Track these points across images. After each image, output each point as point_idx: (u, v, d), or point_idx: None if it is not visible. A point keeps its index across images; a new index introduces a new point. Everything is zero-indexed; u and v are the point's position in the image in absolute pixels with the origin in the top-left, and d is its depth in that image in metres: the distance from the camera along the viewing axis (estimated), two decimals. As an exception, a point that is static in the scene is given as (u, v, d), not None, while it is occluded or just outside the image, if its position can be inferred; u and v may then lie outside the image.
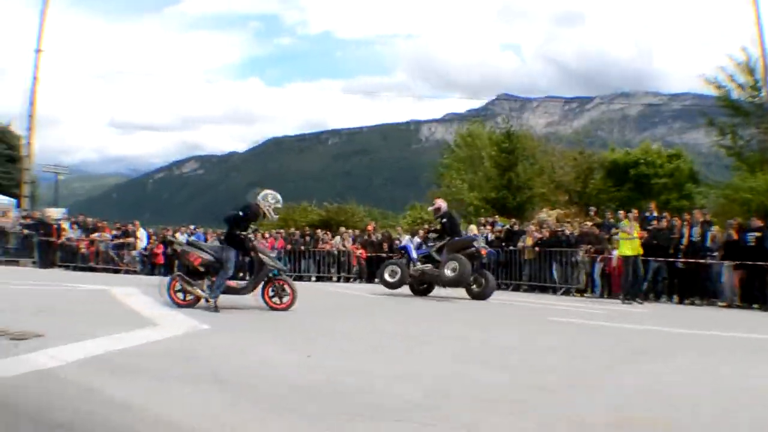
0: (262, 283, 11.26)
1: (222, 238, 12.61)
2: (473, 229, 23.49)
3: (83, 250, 25.56)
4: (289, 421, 4.34)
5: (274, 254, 12.41)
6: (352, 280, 24.10)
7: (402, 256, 16.84)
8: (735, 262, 17.16)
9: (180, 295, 10.92)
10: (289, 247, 24.66)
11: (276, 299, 11.20)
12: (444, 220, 16.44)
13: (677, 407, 5.08)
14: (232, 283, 11.24)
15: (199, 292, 10.78)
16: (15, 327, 7.29)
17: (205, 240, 23.35)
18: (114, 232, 26.53)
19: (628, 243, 17.00)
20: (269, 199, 11.46)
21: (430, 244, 16.55)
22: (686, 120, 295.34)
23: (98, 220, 28.94)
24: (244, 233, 11.11)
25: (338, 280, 24.06)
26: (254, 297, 11.26)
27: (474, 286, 15.95)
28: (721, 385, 6.10)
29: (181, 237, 24.35)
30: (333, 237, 26.16)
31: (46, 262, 24.93)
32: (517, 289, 20.73)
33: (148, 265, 25.17)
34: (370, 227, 27.13)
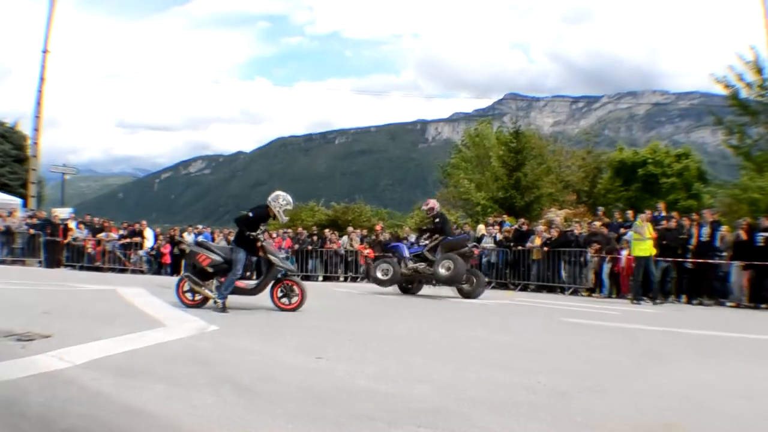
0: (271, 283, 11.20)
1: (231, 238, 12.58)
2: (481, 229, 23.48)
3: (90, 250, 25.52)
4: (308, 427, 4.25)
5: (282, 255, 12.33)
6: (359, 279, 24.02)
7: (393, 255, 16.98)
8: (744, 262, 17.07)
9: (189, 296, 10.90)
10: (296, 246, 24.59)
11: (285, 300, 11.15)
12: (437, 219, 16.59)
13: (693, 412, 5.03)
14: (241, 283, 11.18)
15: (207, 292, 10.75)
16: (22, 328, 7.23)
17: (213, 240, 23.35)
18: (121, 232, 26.49)
19: (641, 244, 16.88)
20: (280, 200, 11.40)
21: (423, 243, 16.67)
22: (693, 119, 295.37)
23: (105, 220, 28.90)
24: (254, 234, 11.06)
25: (345, 280, 23.99)
26: (263, 297, 11.22)
27: (465, 285, 16.18)
28: (737, 389, 6.03)
29: (188, 237, 24.39)
30: (340, 237, 26.10)
31: (52, 262, 24.90)
32: (525, 289, 20.65)
33: (155, 265, 25.13)
34: (378, 227, 27.05)
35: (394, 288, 16.85)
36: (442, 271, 15.55)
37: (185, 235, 25.33)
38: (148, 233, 25.92)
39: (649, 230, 16.99)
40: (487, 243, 22.23)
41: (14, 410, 4.35)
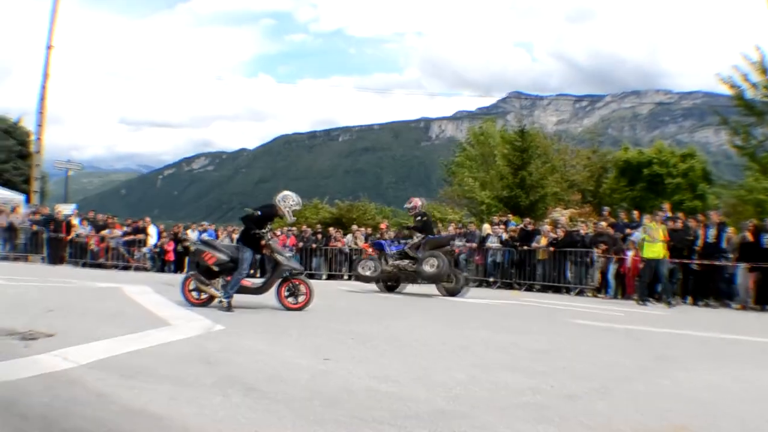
0: (277, 282, 11.13)
1: (237, 236, 12.51)
2: (487, 228, 23.40)
3: (93, 247, 25.48)
4: (314, 428, 4.19)
5: (289, 253, 12.24)
6: (344, 277, 23.92)
7: (375, 252, 17.25)
8: (750, 264, 16.99)
9: (194, 294, 10.82)
10: (300, 244, 24.54)
11: (291, 299, 11.08)
12: (419, 218, 16.78)
13: (699, 414, 5.02)
14: (247, 282, 11.10)
15: (213, 291, 10.68)
16: (24, 326, 7.17)
17: (217, 237, 23.30)
18: (125, 229, 26.45)
19: (652, 246, 16.75)
20: (289, 201, 11.34)
21: (406, 240, 16.79)
22: (696, 119, 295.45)
23: (109, 217, 28.84)
24: (261, 232, 11.00)
25: (349, 279, 23.91)
26: (268, 296, 11.16)
27: (447, 283, 16.48)
28: (743, 392, 6.02)
29: (192, 234, 24.35)
30: (345, 235, 26.06)
31: (55, 259, 24.87)
32: (530, 289, 20.58)
33: (159, 262, 25.08)
34: (383, 225, 26.97)
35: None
36: (427, 268, 15.77)
37: (189, 232, 25.30)
38: (152, 230, 25.87)
39: (662, 232, 16.84)
40: (493, 242, 22.15)
41: (16, 411, 4.27)
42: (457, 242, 23.01)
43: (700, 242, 17.95)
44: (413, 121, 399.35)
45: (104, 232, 25.71)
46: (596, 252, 19.22)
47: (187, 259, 24.09)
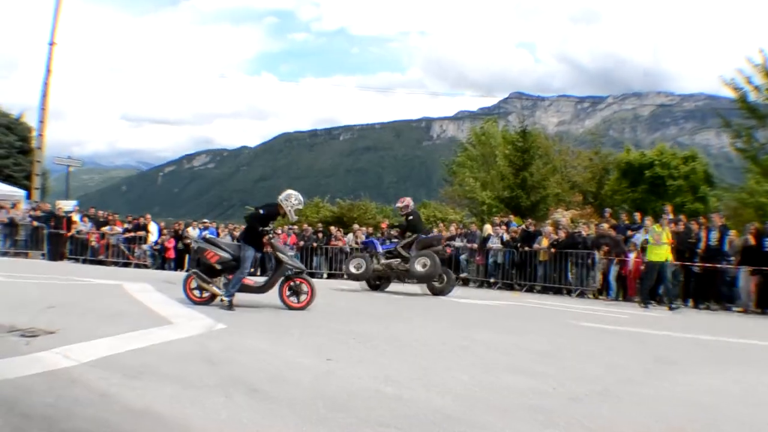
0: (280, 281, 11.11)
1: (239, 235, 12.50)
2: (488, 229, 23.37)
3: (93, 243, 25.46)
4: (318, 430, 4.18)
5: (292, 252, 12.23)
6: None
7: (365, 251, 17.43)
8: (752, 268, 16.96)
9: (196, 293, 10.78)
10: (301, 243, 24.51)
11: (293, 298, 11.03)
12: (411, 217, 16.81)
13: (702, 418, 5.04)
14: (249, 281, 11.08)
15: (215, 289, 10.63)
16: (25, 323, 7.14)
17: (218, 235, 23.25)
18: (125, 226, 26.42)
19: (657, 248, 16.68)
20: (292, 200, 11.33)
21: (396, 240, 16.92)
22: (697, 121, 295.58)
23: (109, 213, 28.83)
24: (266, 229, 11.01)
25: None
26: (269, 295, 11.13)
27: (437, 282, 16.57)
28: (745, 396, 6.05)
29: (193, 232, 24.31)
30: (346, 234, 26.02)
31: (55, 255, 24.84)
32: (530, 290, 20.55)
33: (159, 260, 25.06)
34: (384, 225, 26.92)
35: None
36: (418, 267, 15.84)
37: (190, 230, 25.25)
38: (153, 227, 25.83)
39: (666, 235, 16.77)
40: (494, 243, 22.11)
41: (18, 410, 4.24)
42: (458, 242, 23.05)
43: (702, 245, 17.92)
44: (415, 120, 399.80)
45: (105, 229, 25.70)
46: (598, 254, 19.17)
47: (187, 257, 24.07)
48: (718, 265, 17.48)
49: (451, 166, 46.62)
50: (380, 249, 16.71)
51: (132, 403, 4.50)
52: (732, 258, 17.61)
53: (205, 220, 27.68)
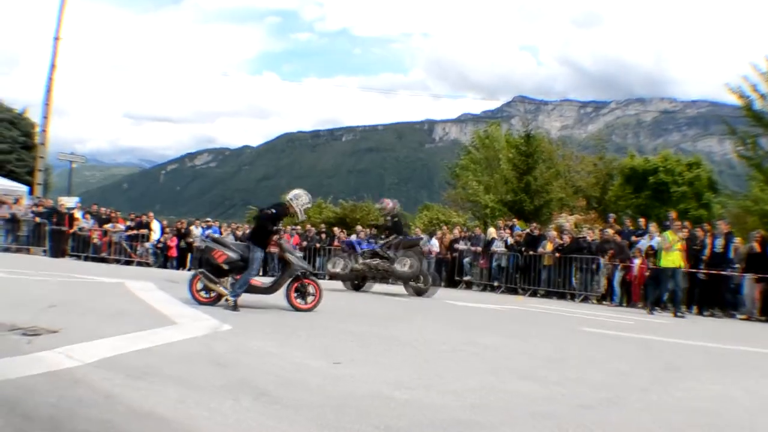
0: (287, 282, 11.04)
1: (246, 235, 12.46)
2: (492, 232, 23.31)
3: (96, 241, 25.44)
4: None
5: (300, 254, 12.17)
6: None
7: (346, 251, 17.48)
8: (757, 275, 16.90)
9: (203, 294, 10.67)
10: (304, 243, 24.46)
11: (300, 300, 10.97)
12: (396, 219, 17.19)
13: (709, 426, 4.97)
14: (256, 281, 11.01)
15: (221, 290, 10.53)
16: (27, 321, 7.04)
17: (220, 234, 23.19)
18: (128, 223, 26.38)
19: (669, 254, 16.59)
20: (302, 199, 11.30)
21: (379, 241, 17.09)
22: (700, 127, 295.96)
23: (112, 211, 28.83)
24: (278, 228, 11.02)
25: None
26: (274, 296, 11.07)
27: (419, 283, 16.91)
28: (752, 403, 6.01)
29: (196, 230, 24.26)
30: (349, 235, 25.94)
31: (57, 251, 24.82)
32: (534, 294, 20.49)
33: (161, 258, 25.01)
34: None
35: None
36: (401, 267, 16.12)
37: (192, 228, 25.21)
38: (155, 225, 25.82)
39: (677, 241, 16.66)
40: (498, 247, 22.05)
41: (20, 411, 4.14)
42: (461, 245, 22.99)
43: (707, 252, 17.87)
44: (417, 122, 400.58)
45: (107, 226, 25.67)
46: (603, 259, 19.10)
47: (189, 256, 24.04)
48: (723, 272, 17.42)
49: (454, 169, 46.59)
50: (359, 249, 16.83)
51: (136, 404, 4.40)
52: (737, 265, 17.56)
53: (209, 219, 27.62)
